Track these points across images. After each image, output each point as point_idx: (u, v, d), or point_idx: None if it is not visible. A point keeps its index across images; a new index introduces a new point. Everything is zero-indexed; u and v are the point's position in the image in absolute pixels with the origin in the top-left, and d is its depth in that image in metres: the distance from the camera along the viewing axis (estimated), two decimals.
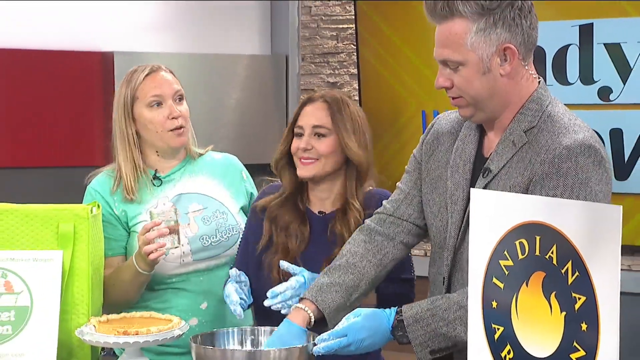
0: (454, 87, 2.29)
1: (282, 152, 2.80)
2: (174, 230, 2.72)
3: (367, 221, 2.56)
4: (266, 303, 2.53)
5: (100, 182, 2.94)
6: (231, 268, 2.77)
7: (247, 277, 2.72)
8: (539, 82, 2.32)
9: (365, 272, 2.48)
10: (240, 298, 2.64)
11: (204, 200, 2.94)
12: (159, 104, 2.90)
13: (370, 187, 2.80)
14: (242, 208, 3.01)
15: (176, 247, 2.74)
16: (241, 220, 2.96)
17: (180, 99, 2.95)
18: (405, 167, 2.58)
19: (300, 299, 2.45)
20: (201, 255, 2.88)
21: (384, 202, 2.58)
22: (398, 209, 2.52)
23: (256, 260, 2.79)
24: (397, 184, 2.58)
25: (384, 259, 2.51)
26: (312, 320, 2.41)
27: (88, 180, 2.97)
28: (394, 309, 2.35)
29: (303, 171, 2.74)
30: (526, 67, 2.28)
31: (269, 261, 2.76)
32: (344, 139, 2.73)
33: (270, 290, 2.53)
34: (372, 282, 2.51)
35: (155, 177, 2.95)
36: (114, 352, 2.84)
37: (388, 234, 2.51)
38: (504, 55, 2.23)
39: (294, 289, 2.52)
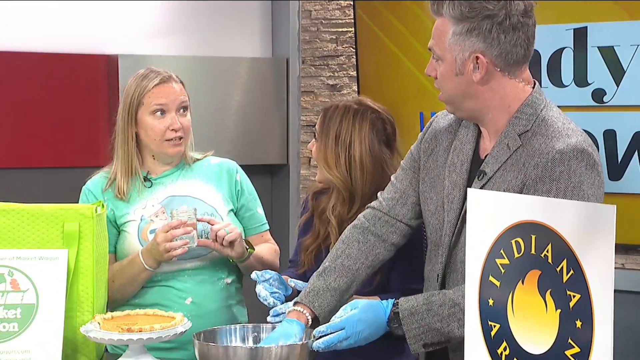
0: (437, 79, 2.35)
1: None
2: (192, 230, 2.81)
3: (361, 217, 2.58)
4: (268, 319, 2.57)
5: (94, 182, 3.00)
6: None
7: (273, 272, 2.75)
8: (534, 86, 2.35)
9: (358, 274, 2.51)
10: (272, 292, 2.68)
11: (194, 203, 2.96)
12: (163, 112, 2.94)
13: None
14: (231, 210, 3.04)
15: (194, 247, 2.82)
16: (229, 223, 2.99)
17: (185, 109, 2.98)
18: (401, 162, 2.60)
19: (296, 302, 2.48)
20: (185, 255, 2.89)
21: (379, 195, 2.59)
22: (393, 208, 2.55)
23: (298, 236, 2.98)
24: (392, 178, 2.59)
25: (375, 261, 2.54)
26: (310, 322, 2.44)
27: (85, 181, 3.02)
28: (391, 301, 2.38)
29: None
30: (512, 78, 2.30)
31: (301, 242, 2.91)
32: None
33: (273, 309, 2.57)
34: (362, 282, 2.55)
35: (146, 179, 2.99)
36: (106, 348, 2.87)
37: (381, 235, 2.54)
38: (476, 63, 2.26)
39: None
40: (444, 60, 2.30)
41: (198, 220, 2.87)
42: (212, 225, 2.88)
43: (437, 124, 2.52)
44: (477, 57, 2.26)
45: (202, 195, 3.00)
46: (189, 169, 3.04)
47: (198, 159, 3.08)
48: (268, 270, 2.75)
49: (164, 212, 2.94)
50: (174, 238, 2.79)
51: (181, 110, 2.97)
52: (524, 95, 2.32)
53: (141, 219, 2.94)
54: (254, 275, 2.75)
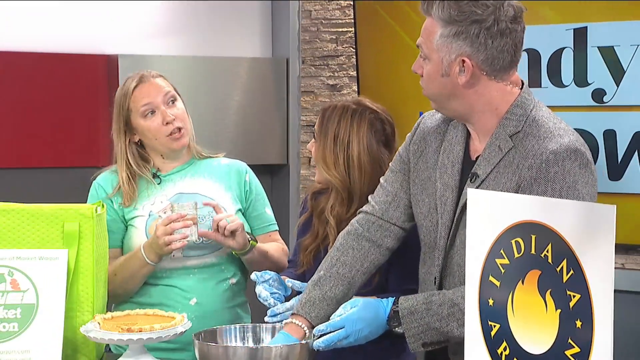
0: (423, 77, 2.35)
1: None
2: (193, 224, 2.82)
3: (355, 222, 2.57)
4: (266, 319, 2.58)
5: (104, 177, 3.01)
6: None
7: (272, 273, 2.75)
8: (522, 87, 2.34)
9: (354, 281, 2.51)
10: (272, 293, 2.68)
11: (202, 200, 2.96)
12: (152, 111, 2.95)
13: None
14: (239, 210, 3.04)
15: (193, 241, 2.82)
16: (232, 214, 2.98)
17: (173, 101, 2.99)
18: (390, 164, 2.60)
19: (293, 314, 2.48)
20: (191, 253, 2.91)
21: (370, 199, 2.59)
22: (386, 212, 2.54)
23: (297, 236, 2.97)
24: (381, 180, 2.59)
25: (370, 266, 2.54)
26: (307, 334, 2.44)
27: (95, 176, 3.03)
28: (391, 299, 2.39)
29: None
30: (498, 82, 2.29)
31: (300, 242, 2.90)
32: None
33: (271, 310, 2.58)
34: (358, 288, 2.54)
35: (155, 176, 3.00)
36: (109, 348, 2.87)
37: (375, 240, 2.53)
38: (462, 66, 2.27)
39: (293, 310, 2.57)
40: (430, 60, 2.31)
41: (204, 204, 2.87)
42: (216, 212, 2.88)
43: (424, 125, 2.52)
44: (463, 61, 2.26)
45: (211, 194, 3.00)
46: (199, 167, 3.05)
47: (209, 157, 3.08)
48: (267, 271, 2.76)
49: (172, 206, 2.94)
50: (174, 231, 2.79)
51: (169, 102, 2.97)
52: (512, 97, 2.32)
53: (149, 215, 2.95)
54: (253, 276, 2.75)
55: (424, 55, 2.32)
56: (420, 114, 4.54)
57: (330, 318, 2.38)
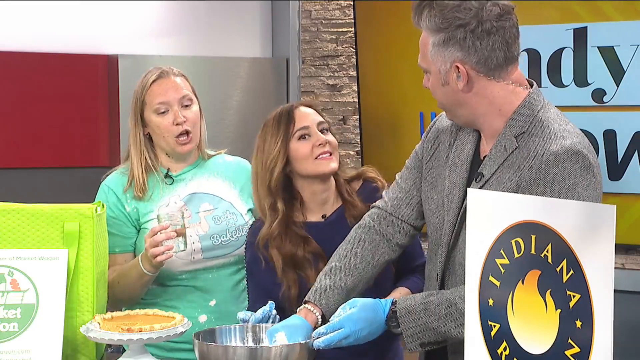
0: (431, 91, 2.37)
1: (280, 168, 2.75)
2: (181, 234, 2.77)
3: (367, 217, 2.59)
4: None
5: (113, 179, 2.98)
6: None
7: (267, 308, 2.59)
8: (531, 88, 2.34)
9: (364, 273, 2.53)
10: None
11: (214, 200, 2.96)
12: (166, 110, 2.94)
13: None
14: (250, 210, 3.03)
15: (182, 251, 2.79)
16: (249, 221, 2.98)
17: (189, 103, 2.98)
18: (406, 161, 2.61)
19: (305, 301, 2.49)
20: (211, 254, 2.91)
21: (384, 195, 2.60)
22: (398, 208, 2.56)
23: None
24: (397, 177, 2.60)
25: (380, 260, 2.56)
26: (319, 321, 2.45)
27: (103, 178, 3.01)
28: (389, 300, 2.39)
29: (327, 167, 2.74)
30: (499, 81, 2.29)
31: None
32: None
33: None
34: (368, 281, 2.55)
35: (167, 176, 2.99)
36: (122, 348, 2.87)
37: (386, 235, 2.55)
38: (458, 72, 2.27)
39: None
40: (430, 73, 2.33)
41: None
42: None
43: (440, 123, 2.54)
44: (457, 67, 2.26)
45: (222, 193, 3.00)
46: (206, 166, 3.04)
47: (212, 155, 3.08)
48: (246, 311, 2.62)
49: (186, 209, 2.93)
50: (159, 243, 2.76)
51: (185, 104, 2.97)
52: (516, 97, 2.32)
53: (158, 217, 2.93)
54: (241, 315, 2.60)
55: (425, 70, 2.34)
56: (420, 114, 4.59)
57: (330, 320, 2.39)
